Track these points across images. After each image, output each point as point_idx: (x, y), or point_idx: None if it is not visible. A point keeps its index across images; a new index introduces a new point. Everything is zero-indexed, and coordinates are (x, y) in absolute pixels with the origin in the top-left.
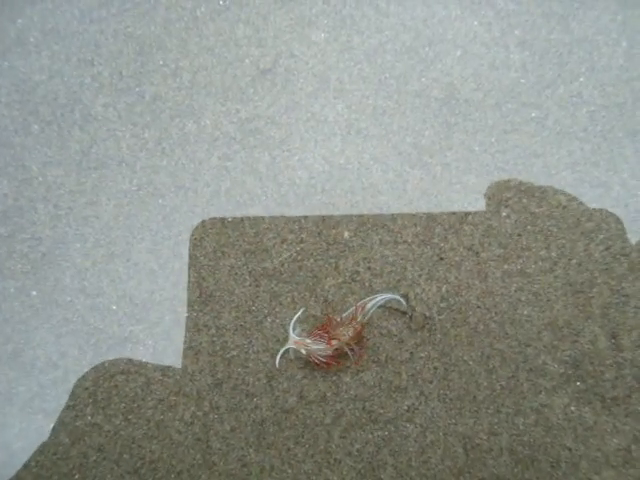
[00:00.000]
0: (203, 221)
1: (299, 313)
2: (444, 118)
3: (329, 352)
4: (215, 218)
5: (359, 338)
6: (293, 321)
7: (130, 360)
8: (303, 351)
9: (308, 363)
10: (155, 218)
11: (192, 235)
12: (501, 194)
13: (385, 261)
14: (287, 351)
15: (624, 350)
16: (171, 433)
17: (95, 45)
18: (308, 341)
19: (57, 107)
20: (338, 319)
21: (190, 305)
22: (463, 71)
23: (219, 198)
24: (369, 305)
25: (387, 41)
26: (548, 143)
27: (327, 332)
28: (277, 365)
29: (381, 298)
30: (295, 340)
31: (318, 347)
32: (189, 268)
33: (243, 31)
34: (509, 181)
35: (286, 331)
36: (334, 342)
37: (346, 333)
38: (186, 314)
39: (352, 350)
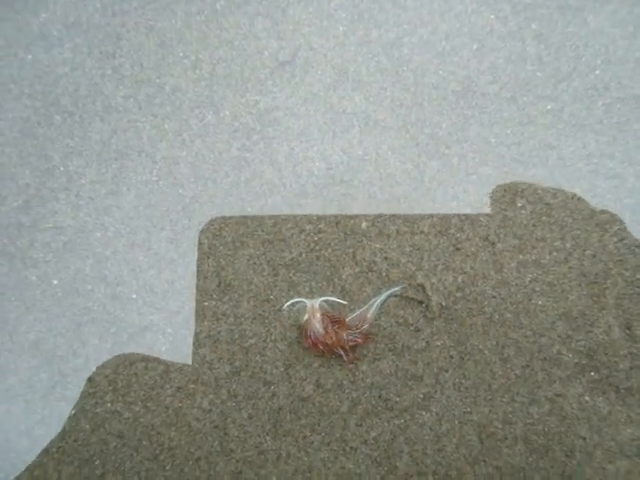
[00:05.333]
0: (222, 211)
1: (337, 299)
2: (461, 110)
3: (322, 340)
4: (234, 208)
5: (354, 346)
6: (330, 298)
7: (150, 348)
8: (305, 317)
9: (298, 328)
10: (175, 208)
11: (210, 225)
12: (517, 185)
13: (402, 251)
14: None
15: (638, 341)
16: (189, 420)
17: (117, 38)
18: (318, 316)
19: (79, 98)
20: (348, 318)
21: (208, 294)
22: (479, 64)
23: (238, 188)
24: (374, 306)
25: (404, 34)
26: (563, 135)
27: (334, 324)
28: (283, 308)
29: (385, 295)
30: (314, 305)
31: (318, 329)
32: (201, 257)
33: (262, 24)
34: (525, 172)
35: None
36: (329, 340)
37: (346, 339)
38: (195, 303)
39: (347, 355)
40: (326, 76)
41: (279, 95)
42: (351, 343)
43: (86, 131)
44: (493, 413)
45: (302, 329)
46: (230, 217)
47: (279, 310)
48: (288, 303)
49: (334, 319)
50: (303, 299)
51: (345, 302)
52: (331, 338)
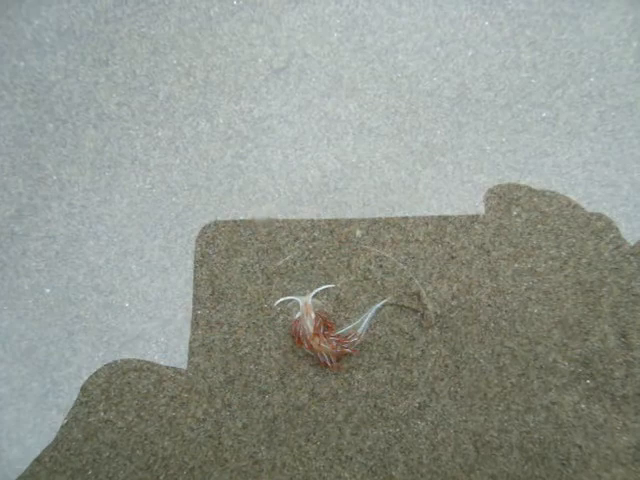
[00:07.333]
0: (216, 219)
1: (329, 286)
2: (455, 117)
3: (309, 340)
4: (228, 216)
5: (340, 356)
6: (320, 289)
7: (143, 357)
8: (298, 314)
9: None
10: (168, 216)
11: (203, 233)
12: (512, 193)
13: (397, 259)
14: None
15: (634, 349)
16: (183, 430)
17: (110, 45)
18: (312, 315)
19: (72, 106)
20: (341, 330)
21: (202, 303)
22: (474, 71)
23: (232, 196)
24: (366, 320)
25: (399, 41)
26: (558, 143)
27: (325, 326)
28: (275, 304)
29: (379, 306)
30: (307, 302)
31: (309, 327)
32: (195, 265)
33: (256, 31)
34: (520, 180)
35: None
36: (314, 344)
37: (335, 347)
38: (191, 312)
39: (331, 362)
40: (320, 83)
41: (273, 102)
42: (338, 351)
43: (79, 139)
44: (489, 422)
45: (293, 325)
46: (224, 225)
47: (270, 317)
48: (279, 301)
49: (326, 322)
50: (295, 297)
51: (334, 285)
52: (318, 342)
